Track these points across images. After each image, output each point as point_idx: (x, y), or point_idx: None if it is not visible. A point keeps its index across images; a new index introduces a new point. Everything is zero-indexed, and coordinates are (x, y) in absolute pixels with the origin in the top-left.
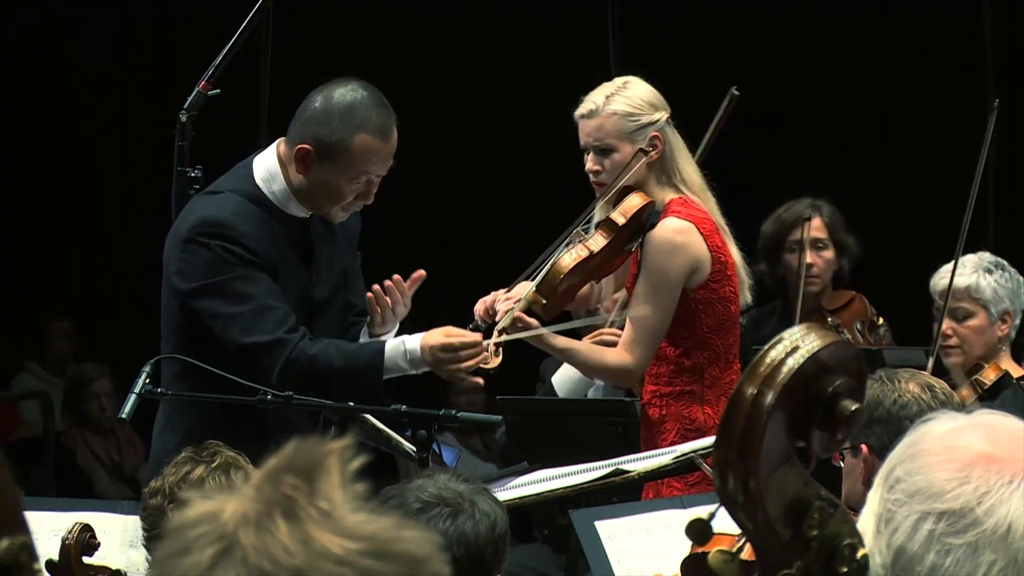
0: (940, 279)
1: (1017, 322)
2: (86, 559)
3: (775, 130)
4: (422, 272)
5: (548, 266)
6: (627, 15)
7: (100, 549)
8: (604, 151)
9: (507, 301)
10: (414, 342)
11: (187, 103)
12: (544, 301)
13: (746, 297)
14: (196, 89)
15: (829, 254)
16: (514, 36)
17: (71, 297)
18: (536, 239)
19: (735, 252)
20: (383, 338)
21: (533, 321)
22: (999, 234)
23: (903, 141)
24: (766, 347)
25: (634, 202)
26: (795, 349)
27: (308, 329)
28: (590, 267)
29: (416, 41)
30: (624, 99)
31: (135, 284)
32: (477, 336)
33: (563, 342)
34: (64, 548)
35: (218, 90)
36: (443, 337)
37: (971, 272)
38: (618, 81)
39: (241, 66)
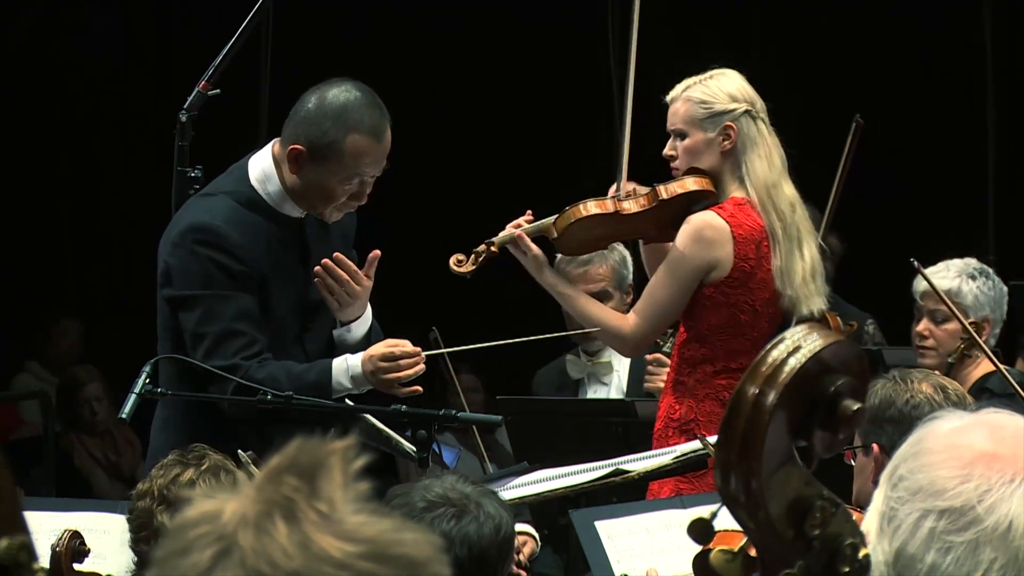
0: (923, 281)
1: (997, 331)
2: (76, 566)
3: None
4: (377, 252)
5: (572, 205)
6: (627, 15)
7: (100, 549)
8: (679, 136)
9: (520, 220)
10: (356, 358)
11: (187, 103)
12: (555, 234)
13: (806, 307)
14: (196, 89)
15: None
16: (514, 37)
17: (71, 297)
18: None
19: (778, 264)
20: (335, 357)
21: (533, 247)
22: (999, 235)
23: (902, 140)
24: (768, 347)
25: (688, 183)
26: (797, 349)
27: (304, 329)
28: (618, 227)
29: (415, 40)
30: (702, 87)
31: (135, 284)
32: (417, 349)
33: (563, 285)
34: (55, 556)
35: (218, 90)
36: (384, 348)
37: (954, 276)
38: (708, 72)
39: (241, 66)
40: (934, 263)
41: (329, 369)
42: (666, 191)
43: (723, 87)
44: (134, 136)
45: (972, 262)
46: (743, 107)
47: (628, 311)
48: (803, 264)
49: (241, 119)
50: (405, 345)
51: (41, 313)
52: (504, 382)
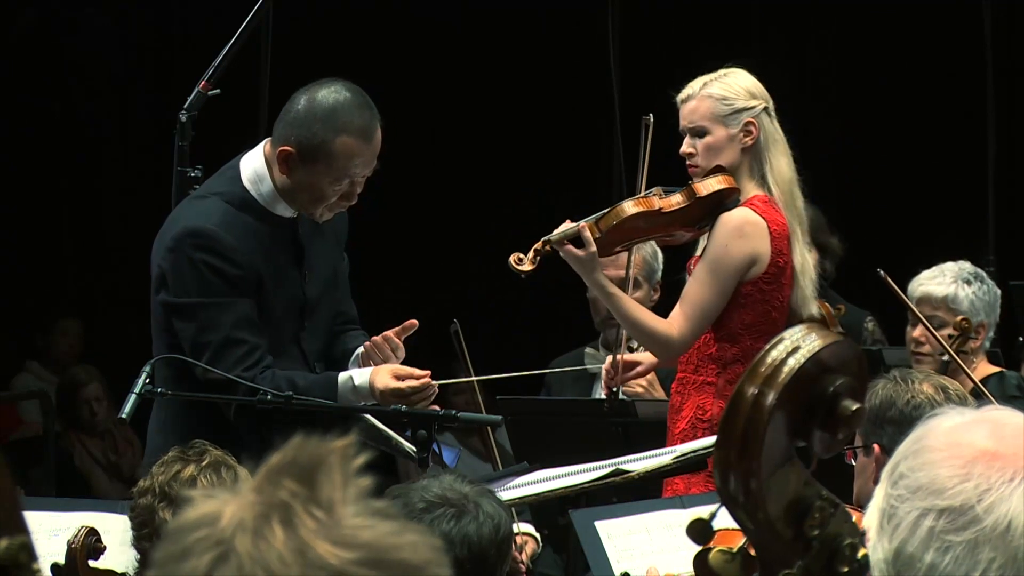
0: (918, 286)
1: (991, 334)
2: (92, 563)
3: None
4: (414, 322)
5: (613, 206)
6: (628, 12)
7: None
8: (698, 133)
9: (574, 222)
10: (362, 378)
11: (187, 103)
12: (597, 234)
13: (810, 309)
14: (196, 89)
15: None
16: (514, 35)
17: (71, 297)
18: (533, 239)
19: (798, 260)
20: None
21: (593, 245)
22: (999, 235)
23: (902, 140)
24: (767, 347)
25: (721, 181)
26: (796, 349)
27: (301, 328)
28: (653, 224)
29: (416, 41)
30: (721, 84)
31: (134, 284)
32: (426, 375)
33: (612, 287)
34: (70, 552)
35: (218, 90)
36: (392, 380)
37: (950, 282)
38: (720, 71)
39: (241, 66)
40: (934, 263)
41: (335, 386)
42: (703, 187)
43: (741, 84)
44: (134, 136)
45: (966, 266)
46: (762, 104)
47: (653, 307)
48: (809, 267)
49: (241, 119)
50: (412, 374)
51: (41, 313)
52: (504, 382)
